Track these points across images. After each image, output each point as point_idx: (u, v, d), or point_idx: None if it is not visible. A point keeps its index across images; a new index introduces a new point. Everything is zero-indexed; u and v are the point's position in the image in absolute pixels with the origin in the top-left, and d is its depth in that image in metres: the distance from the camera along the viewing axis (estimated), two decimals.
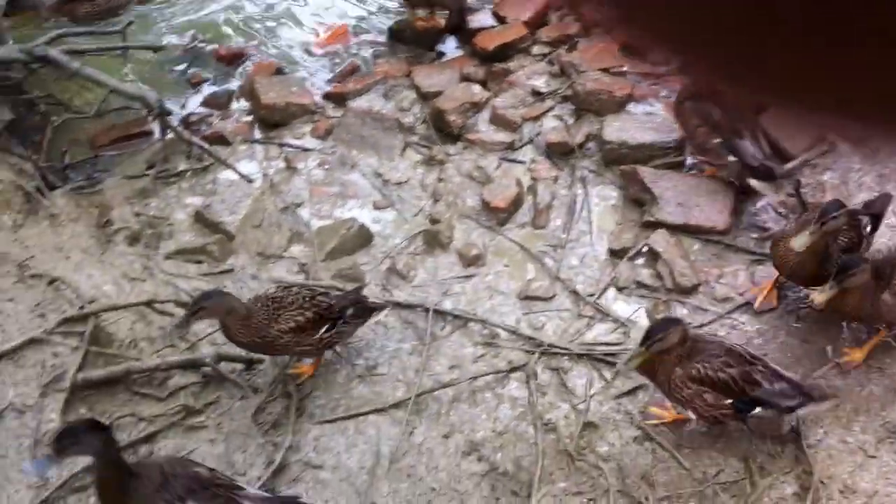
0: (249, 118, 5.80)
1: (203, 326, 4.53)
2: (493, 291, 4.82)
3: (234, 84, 6.05)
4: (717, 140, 4.95)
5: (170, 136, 5.45)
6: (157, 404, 4.14)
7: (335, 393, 4.34)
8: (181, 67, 6.17)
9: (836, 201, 4.15)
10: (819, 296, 3.99)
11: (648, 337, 3.76)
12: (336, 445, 4.12)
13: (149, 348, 4.39)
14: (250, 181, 5.32)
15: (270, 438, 4.13)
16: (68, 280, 4.51)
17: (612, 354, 4.47)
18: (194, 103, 5.90)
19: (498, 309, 4.71)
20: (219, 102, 5.89)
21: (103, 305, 4.43)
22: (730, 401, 3.82)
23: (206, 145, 5.38)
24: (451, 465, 4.06)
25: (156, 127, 5.63)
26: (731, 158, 4.96)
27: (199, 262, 4.89)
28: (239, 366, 4.36)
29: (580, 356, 4.49)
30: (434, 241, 5.03)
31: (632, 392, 4.33)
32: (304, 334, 4.07)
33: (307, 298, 4.12)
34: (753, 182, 5.04)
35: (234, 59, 6.17)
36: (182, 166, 5.42)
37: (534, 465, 4.02)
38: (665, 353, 3.79)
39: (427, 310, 4.67)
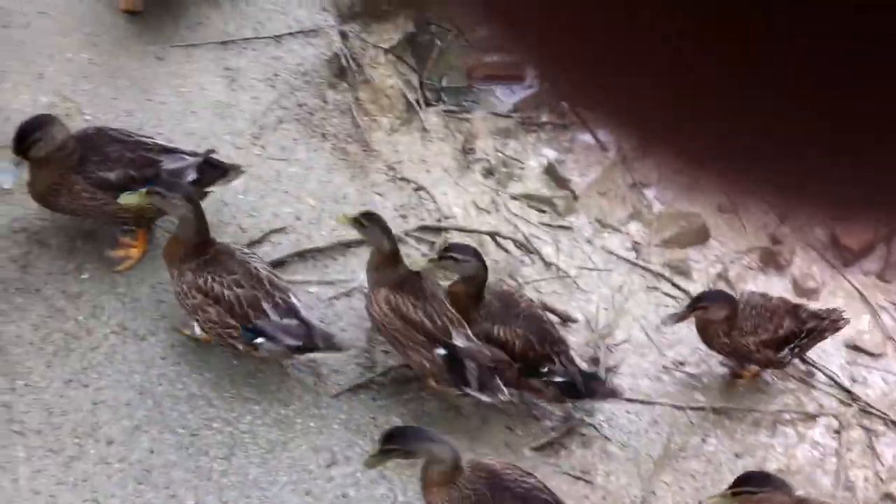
0: None
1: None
2: None
3: None
4: None
5: (538, 87, 5.55)
6: None
7: (639, 376, 4.32)
8: None
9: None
10: None
11: None
12: (629, 425, 4.11)
13: None
14: (605, 149, 5.35)
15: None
16: (431, 192, 4.74)
17: None
18: None
19: (820, 348, 4.50)
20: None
21: (455, 224, 4.63)
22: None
23: (574, 105, 5.44)
24: None
25: (530, 75, 5.75)
26: None
27: (542, 211, 4.99)
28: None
29: None
30: (771, 260, 4.87)
31: None
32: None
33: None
34: None
35: None
36: (545, 118, 5.53)
37: None
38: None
39: None
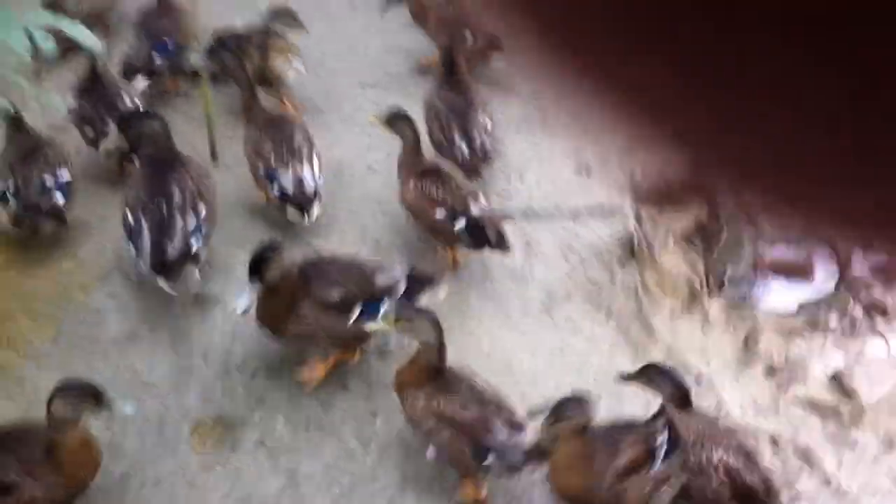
0: None
1: None
2: None
3: None
4: None
5: (836, 289, 5.28)
6: None
7: None
8: None
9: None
10: None
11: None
12: None
13: None
14: None
15: None
16: (713, 381, 4.57)
17: None
18: (863, 266, 5.66)
19: None
20: (887, 274, 5.58)
21: (733, 421, 4.41)
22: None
23: (868, 311, 5.12)
24: None
25: (822, 274, 5.50)
26: None
27: (826, 420, 4.66)
28: None
29: None
30: None
31: None
32: None
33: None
34: None
35: None
36: (833, 323, 5.22)
37: None
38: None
39: None
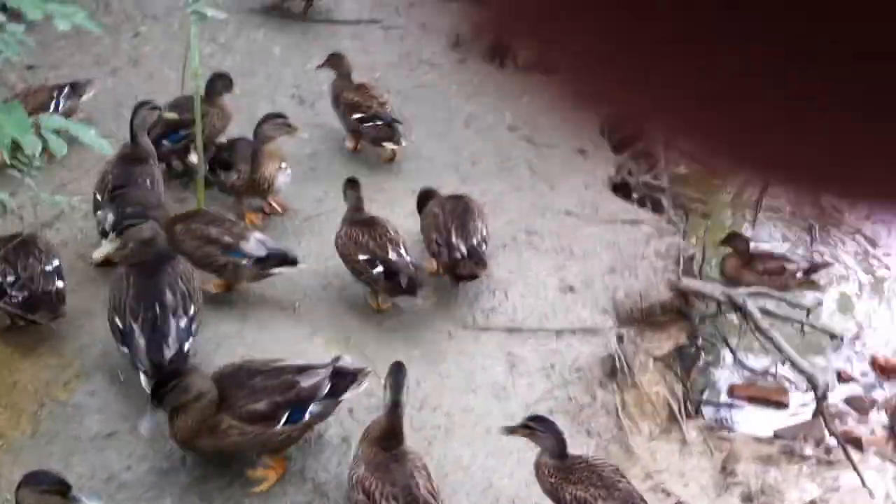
0: (889, 434, 5.45)
1: None
2: None
3: (883, 395, 5.76)
4: None
5: (812, 418, 5.32)
6: None
7: None
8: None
9: None
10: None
11: None
12: None
13: None
14: (872, 496, 4.95)
15: None
16: None
17: None
18: (836, 396, 5.72)
19: None
20: (860, 406, 5.64)
21: None
22: None
23: (842, 442, 5.14)
24: None
25: (796, 402, 5.55)
26: None
27: None
28: None
29: None
30: None
31: None
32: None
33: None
34: None
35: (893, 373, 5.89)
36: (808, 451, 5.23)
37: None
38: None
39: None
